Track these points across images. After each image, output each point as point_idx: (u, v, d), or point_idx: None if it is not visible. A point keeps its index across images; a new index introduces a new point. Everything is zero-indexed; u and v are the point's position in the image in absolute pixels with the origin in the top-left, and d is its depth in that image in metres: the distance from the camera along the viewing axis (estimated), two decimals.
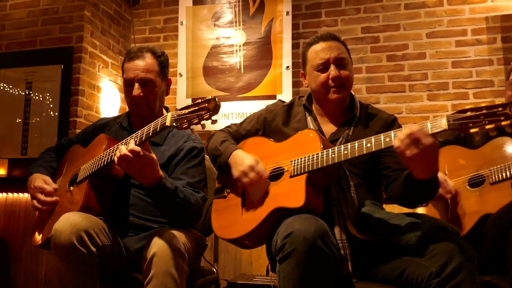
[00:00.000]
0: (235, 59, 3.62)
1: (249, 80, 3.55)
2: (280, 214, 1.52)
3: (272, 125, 1.86)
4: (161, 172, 1.68)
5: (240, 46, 3.62)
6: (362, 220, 1.60)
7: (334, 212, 1.59)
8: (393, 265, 1.50)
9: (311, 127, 1.78)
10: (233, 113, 3.52)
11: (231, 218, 1.71)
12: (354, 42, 3.34)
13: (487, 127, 1.26)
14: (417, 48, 3.25)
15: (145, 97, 1.90)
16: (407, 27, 3.30)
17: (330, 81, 1.74)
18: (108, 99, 3.70)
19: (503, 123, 1.24)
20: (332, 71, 1.73)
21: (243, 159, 1.69)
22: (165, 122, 1.53)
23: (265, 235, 1.61)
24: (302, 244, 1.33)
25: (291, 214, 1.46)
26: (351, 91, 1.84)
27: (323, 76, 1.75)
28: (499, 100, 3.09)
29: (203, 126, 1.48)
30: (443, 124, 1.33)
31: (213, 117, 1.46)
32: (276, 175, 1.67)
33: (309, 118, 1.81)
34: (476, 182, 1.94)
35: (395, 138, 1.38)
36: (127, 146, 1.59)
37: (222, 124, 3.07)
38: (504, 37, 3.09)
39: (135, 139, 1.63)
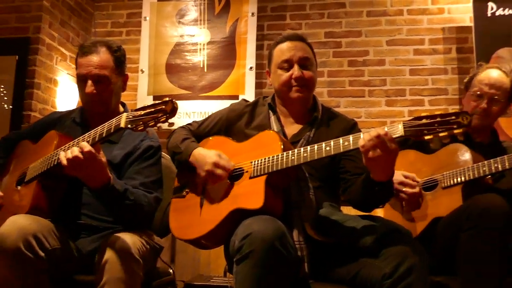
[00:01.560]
0: (199, 58, 3.59)
1: (212, 80, 3.53)
2: (239, 215, 1.52)
3: (235, 125, 1.86)
4: (109, 174, 1.62)
5: (204, 44, 3.60)
6: (320, 222, 1.62)
7: (292, 214, 1.60)
8: (348, 266, 1.53)
9: (274, 127, 1.79)
10: (195, 112, 3.49)
11: (189, 218, 1.70)
12: (317, 46, 3.38)
13: (441, 134, 1.32)
14: (377, 55, 3.34)
15: (99, 94, 1.82)
16: (368, 34, 3.38)
17: (292, 81, 1.76)
18: (65, 94, 3.57)
19: (456, 131, 1.30)
20: (296, 70, 1.75)
21: (205, 157, 1.67)
22: (120, 123, 1.48)
23: (223, 236, 1.60)
24: (260, 245, 1.33)
25: (250, 215, 1.46)
26: (314, 94, 1.87)
27: (286, 75, 1.77)
28: (453, 108, 3.23)
29: (159, 128, 1.46)
30: (399, 130, 1.38)
31: (170, 120, 1.43)
32: (236, 175, 1.66)
33: (272, 118, 1.82)
34: (429, 186, 2.01)
35: (362, 137, 1.41)
36: (80, 147, 1.52)
37: (183, 123, 3.03)
38: (459, 47, 3.22)
39: (88, 140, 1.56)
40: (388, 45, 3.33)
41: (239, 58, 3.51)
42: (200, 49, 3.60)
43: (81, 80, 1.84)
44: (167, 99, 1.43)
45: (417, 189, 1.91)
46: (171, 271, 2.01)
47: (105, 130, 1.54)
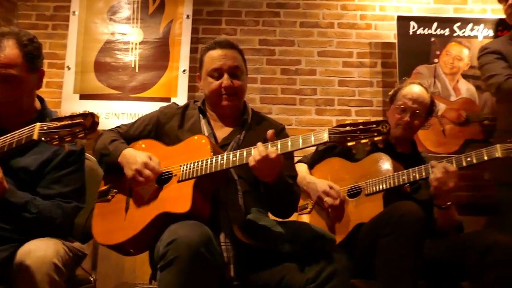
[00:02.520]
0: (130, 57, 3.48)
1: (144, 81, 3.43)
2: (166, 219, 1.49)
3: (165, 127, 1.83)
4: (6, 185, 1.49)
5: (136, 44, 3.50)
6: (247, 226, 1.63)
7: (220, 215, 1.60)
8: (274, 272, 1.55)
9: (205, 130, 1.79)
10: (124, 113, 3.37)
11: (113, 223, 1.64)
12: (251, 53, 3.42)
13: (362, 141, 1.40)
14: (308, 65, 3.43)
15: (7, 96, 1.62)
16: (301, 44, 3.47)
17: (222, 89, 1.77)
18: None
19: (376, 138, 1.39)
20: (225, 80, 1.76)
21: (135, 156, 1.63)
22: (32, 135, 1.36)
23: (148, 241, 1.56)
24: (185, 251, 1.32)
25: (177, 219, 1.44)
26: (245, 99, 1.90)
27: (216, 83, 1.78)
28: (376, 119, 3.38)
29: (76, 143, 1.38)
30: (325, 137, 1.45)
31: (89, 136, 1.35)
32: (165, 179, 1.64)
33: (203, 122, 1.82)
34: (354, 193, 2.10)
35: (251, 157, 1.50)
36: None
37: (112, 124, 2.92)
38: (383, 62, 3.40)
39: None
40: (319, 56, 3.44)
41: (172, 60, 3.45)
42: (132, 49, 3.49)
43: None
44: (87, 111, 1.34)
45: (337, 202, 2.00)
46: (91, 279, 1.92)
47: (15, 140, 1.41)
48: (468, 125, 3.15)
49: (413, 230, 1.71)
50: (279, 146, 1.50)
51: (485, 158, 1.84)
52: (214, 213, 1.59)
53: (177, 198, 1.54)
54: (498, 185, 2.46)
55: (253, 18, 3.52)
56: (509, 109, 2.44)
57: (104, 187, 1.77)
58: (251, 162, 1.49)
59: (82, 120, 1.33)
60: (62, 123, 1.34)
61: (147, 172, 1.58)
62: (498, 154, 1.81)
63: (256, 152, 1.49)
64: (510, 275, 1.73)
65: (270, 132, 1.55)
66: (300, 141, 1.49)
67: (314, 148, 2.25)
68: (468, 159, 1.88)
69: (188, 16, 3.50)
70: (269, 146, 1.51)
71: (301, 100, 3.39)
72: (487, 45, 2.56)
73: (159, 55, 3.45)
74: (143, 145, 1.79)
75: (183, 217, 1.45)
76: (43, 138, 1.35)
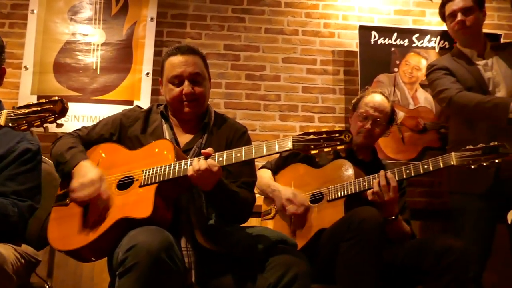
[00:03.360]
0: (91, 59, 3.39)
1: (105, 83, 3.35)
2: (126, 224, 1.46)
3: (128, 131, 1.80)
4: None
5: (98, 45, 3.41)
6: (209, 232, 1.62)
7: (182, 220, 1.59)
8: (235, 277, 1.55)
9: (167, 135, 1.77)
10: (84, 115, 3.28)
11: (71, 228, 1.59)
12: (216, 58, 3.41)
13: (325, 150, 1.43)
14: (273, 71, 3.46)
15: None
16: (266, 50, 3.49)
17: (183, 96, 1.75)
18: None
19: (339, 147, 1.43)
20: (186, 87, 1.75)
21: (87, 171, 1.58)
22: None
23: (107, 247, 1.53)
24: (145, 257, 1.29)
25: (138, 225, 1.41)
26: (209, 103, 1.89)
27: (176, 90, 1.76)
28: (339, 126, 3.46)
29: (46, 129, 1.35)
30: (289, 145, 1.47)
31: (59, 121, 1.34)
32: (126, 184, 1.61)
33: (165, 126, 1.80)
34: (316, 199, 2.13)
35: (190, 166, 1.51)
36: None
37: (72, 126, 2.84)
38: (346, 70, 3.47)
39: None
40: (283, 62, 3.47)
41: (135, 63, 3.38)
42: (94, 50, 3.41)
43: None
44: (56, 98, 1.34)
45: (300, 210, 2.03)
46: (47, 286, 1.85)
47: None
48: (426, 133, 3.25)
49: (373, 235, 1.75)
50: (243, 153, 1.50)
51: (441, 165, 1.91)
52: (175, 218, 1.57)
53: (138, 203, 1.51)
54: (450, 193, 2.57)
55: (218, 23, 3.52)
56: (458, 122, 2.56)
57: (62, 191, 1.72)
58: (189, 172, 1.50)
59: (52, 106, 1.32)
60: (30, 110, 1.32)
61: (90, 189, 1.55)
62: (453, 162, 1.88)
63: (195, 163, 1.50)
64: (463, 277, 1.79)
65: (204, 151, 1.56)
66: (264, 148, 1.51)
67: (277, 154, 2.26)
68: (425, 166, 1.94)
69: (152, 19, 3.45)
70: (216, 156, 1.51)
71: (265, 106, 3.40)
72: (434, 62, 2.67)
73: (121, 57, 3.39)
74: (104, 150, 1.75)
75: (144, 223, 1.43)
76: (10, 124, 1.32)
